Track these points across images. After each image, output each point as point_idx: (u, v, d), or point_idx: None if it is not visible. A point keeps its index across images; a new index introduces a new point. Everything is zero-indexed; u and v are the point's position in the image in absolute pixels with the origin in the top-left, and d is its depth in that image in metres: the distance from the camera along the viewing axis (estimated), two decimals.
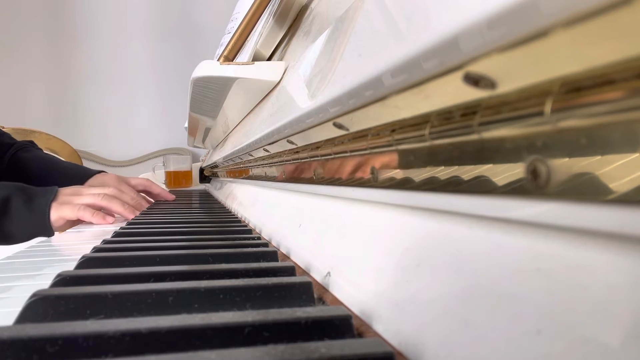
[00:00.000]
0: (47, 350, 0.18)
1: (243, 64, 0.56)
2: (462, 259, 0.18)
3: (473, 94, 0.15)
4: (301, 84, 0.38)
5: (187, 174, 1.84)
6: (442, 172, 0.19)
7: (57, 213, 0.74)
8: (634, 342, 0.10)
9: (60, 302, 0.23)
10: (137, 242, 0.43)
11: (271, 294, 0.25)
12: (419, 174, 0.21)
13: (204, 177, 1.76)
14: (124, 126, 2.45)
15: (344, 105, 0.25)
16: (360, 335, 0.21)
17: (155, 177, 1.86)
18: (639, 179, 0.11)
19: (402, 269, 0.21)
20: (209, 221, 0.64)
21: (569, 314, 0.12)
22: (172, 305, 0.24)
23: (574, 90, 0.11)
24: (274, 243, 0.46)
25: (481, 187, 0.16)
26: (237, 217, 0.70)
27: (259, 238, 0.46)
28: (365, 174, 0.27)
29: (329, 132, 0.30)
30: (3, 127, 1.45)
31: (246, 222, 0.64)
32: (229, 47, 0.58)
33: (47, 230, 0.74)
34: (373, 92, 0.22)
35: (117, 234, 0.51)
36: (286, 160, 0.46)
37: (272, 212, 0.55)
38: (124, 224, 0.66)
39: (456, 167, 0.18)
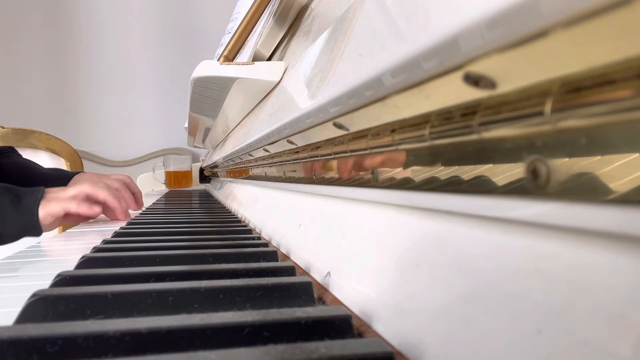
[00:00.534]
0: (47, 350, 0.18)
1: (243, 64, 0.56)
2: (462, 259, 0.18)
3: (473, 94, 0.15)
4: (301, 84, 0.38)
5: (187, 174, 1.84)
6: (442, 172, 0.19)
7: (45, 210, 0.74)
8: (634, 342, 0.10)
9: (60, 302, 0.23)
10: (137, 242, 0.43)
11: (271, 294, 0.25)
12: (419, 174, 0.21)
13: (204, 177, 1.76)
14: (124, 126, 2.45)
15: (344, 105, 0.25)
16: (360, 335, 0.21)
17: (155, 177, 1.86)
18: (639, 179, 0.11)
19: (402, 269, 0.21)
20: (209, 221, 0.64)
21: (569, 314, 0.12)
22: (172, 305, 0.24)
23: (574, 90, 0.11)
24: (274, 243, 0.46)
25: (481, 187, 0.16)
26: (237, 217, 0.70)
27: (259, 238, 0.46)
28: (365, 174, 0.27)
29: (329, 132, 0.30)
30: (3, 127, 1.45)
31: (246, 222, 0.64)
32: (229, 47, 0.58)
33: (35, 229, 0.74)
34: (373, 92, 0.22)
35: (117, 234, 0.51)
36: (286, 160, 0.46)
37: (272, 212, 0.55)
38: (123, 225, 0.66)
39: (456, 167, 0.18)
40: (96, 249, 0.39)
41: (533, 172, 0.14)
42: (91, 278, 0.28)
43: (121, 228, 0.56)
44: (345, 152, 0.29)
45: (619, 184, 0.11)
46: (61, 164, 1.48)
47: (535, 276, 0.14)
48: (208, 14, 2.44)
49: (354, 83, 0.23)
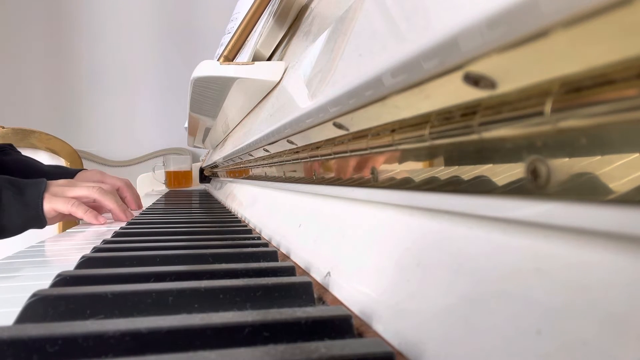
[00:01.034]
0: (47, 350, 0.18)
1: (243, 64, 0.56)
2: (462, 258, 0.18)
3: (473, 94, 0.15)
4: (301, 84, 0.38)
5: (187, 174, 1.84)
6: (442, 172, 0.19)
7: (50, 205, 0.73)
8: (634, 342, 0.10)
9: (60, 302, 0.23)
10: (137, 242, 0.43)
11: (271, 294, 0.25)
12: (419, 174, 0.21)
13: (204, 177, 1.76)
14: (124, 126, 2.45)
15: (344, 105, 0.25)
16: (360, 335, 0.21)
17: (155, 177, 1.86)
18: (639, 179, 0.11)
19: (402, 269, 0.21)
20: (209, 221, 0.64)
21: (568, 314, 0.12)
22: (172, 305, 0.24)
23: (574, 90, 0.11)
24: (274, 243, 0.46)
25: (481, 187, 0.16)
26: (237, 217, 0.70)
27: (259, 238, 0.46)
28: (365, 174, 0.27)
29: (329, 132, 0.30)
30: (3, 127, 1.45)
31: (246, 222, 0.64)
32: (229, 47, 0.58)
33: (40, 221, 0.73)
34: (373, 92, 0.22)
35: (117, 234, 0.51)
36: (286, 160, 0.46)
37: (272, 212, 0.55)
38: (123, 225, 0.66)
39: (456, 167, 0.18)
40: (96, 249, 0.39)
41: (533, 172, 0.14)
42: (91, 278, 0.28)
43: (121, 228, 0.56)
44: (345, 152, 0.29)
45: (619, 184, 0.11)
46: (61, 164, 1.47)
47: (535, 276, 0.14)
48: (208, 14, 2.44)
49: (354, 83, 0.23)
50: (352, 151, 0.28)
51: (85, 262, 0.34)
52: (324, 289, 0.28)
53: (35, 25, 2.36)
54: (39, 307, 0.23)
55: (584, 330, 0.12)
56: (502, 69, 0.14)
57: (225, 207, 0.90)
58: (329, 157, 0.33)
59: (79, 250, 0.51)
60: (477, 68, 0.14)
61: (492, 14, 0.12)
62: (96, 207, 0.82)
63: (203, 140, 1.43)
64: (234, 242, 0.44)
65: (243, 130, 0.72)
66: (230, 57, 0.57)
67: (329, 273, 0.29)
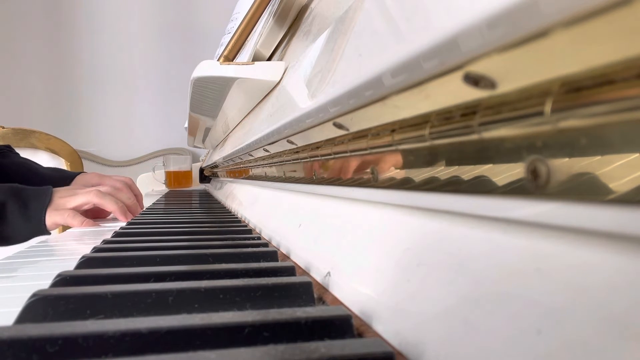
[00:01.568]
0: (47, 350, 0.18)
1: (243, 64, 0.56)
2: (462, 258, 0.18)
3: (473, 94, 0.15)
4: (301, 84, 0.38)
5: (187, 174, 1.84)
6: (442, 172, 0.19)
7: (51, 219, 0.74)
8: (634, 342, 0.10)
9: (60, 302, 0.23)
10: (137, 242, 0.43)
11: (271, 294, 0.25)
12: (419, 174, 0.21)
13: (204, 177, 1.76)
14: (124, 126, 2.45)
15: (344, 105, 0.25)
16: (360, 335, 0.21)
17: (155, 177, 1.86)
18: (639, 179, 0.11)
19: (402, 269, 0.21)
20: (209, 221, 0.64)
21: (568, 314, 0.12)
22: (172, 305, 0.24)
23: (574, 90, 0.11)
24: (274, 243, 0.46)
25: (481, 187, 0.16)
26: (237, 217, 0.70)
27: (259, 238, 0.46)
28: (365, 174, 0.27)
29: (329, 132, 0.30)
30: (3, 127, 1.45)
31: (246, 222, 0.64)
32: (229, 47, 0.58)
33: (43, 232, 0.75)
34: (373, 92, 0.22)
35: (117, 234, 0.51)
36: (286, 160, 0.46)
37: (272, 212, 0.55)
38: (124, 225, 0.66)
39: (456, 167, 0.18)
40: (96, 249, 0.39)
41: (533, 172, 0.14)
42: (91, 278, 0.28)
43: (121, 228, 0.56)
44: (345, 152, 0.29)
45: (619, 184, 0.11)
46: (61, 164, 1.48)
47: (535, 276, 0.14)
48: (208, 14, 2.44)
49: (354, 83, 0.23)
50: (352, 151, 0.28)
51: (85, 262, 0.34)
52: (324, 289, 0.28)
53: (35, 25, 2.36)
54: (39, 307, 0.23)
55: (584, 330, 0.12)
56: (502, 69, 0.14)
57: (225, 207, 0.90)
58: (329, 157, 0.33)
59: (79, 250, 0.51)
60: (477, 68, 0.14)
61: (492, 14, 0.12)
62: (98, 210, 0.82)
63: (203, 140, 1.43)
64: (234, 242, 0.44)
65: (243, 130, 0.72)
66: (230, 57, 0.57)
67: (329, 273, 0.29)
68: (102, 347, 0.18)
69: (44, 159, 1.44)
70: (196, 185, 1.86)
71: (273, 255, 0.36)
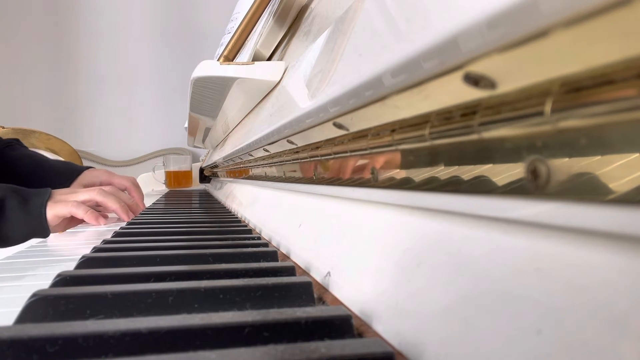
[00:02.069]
0: (47, 350, 0.18)
1: (243, 64, 0.56)
2: (462, 259, 0.18)
3: (473, 94, 0.15)
4: (301, 84, 0.38)
5: (187, 174, 1.84)
6: (442, 172, 0.19)
7: (52, 211, 0.73)
8: (634, 342, 0.10)
9: (60, 302, 0.23)
10: (137, 242, 0.43)
11: (271, 294, 0.25)
12: (419, 174, 0.21)
13: (204, 177, 1.76)
14: (124, 126, 2.45)
15: (344, 105, 0.25)
16: (360, 335, 0.21)
17: (155, 177, 1.86)
18: (639, 179, 0.11)
19: (402, 269, 0.21)
20: (209, 221, 0.64)
21: (568, 314, 0.12)
22: (172, 305, 0.24)
23: (574, 90, 0.11)
24: (274, 243, 0.46)
25: (481, 187, 0.16)
26: (237, 217, 0.70)
27: (259, 238, 0.46)
28: (365, 174, 0.27)
29: (329, 132, 0.30)
30: (3, 127, 1.45)
31: (246, 222, 0.64)
32: (229, 47, 0.58)
33: (43, 230, 0.73)
34: (373, 92, 0.22)
35: (117, 234, 0.51)
36: (286, 160, 0.46)
37: (272, 212, 0.55)
38: (124, 225, 0.65)
39: (456, 167, 0.18)
40: (96, 249, 0.39)
41: (533, 172, 0.14)
42: (91, 278, 0.28)
43: (121, 228, 0.56)
44: (345, 152, 0.29)
45: (619, 184, 0.11)
46: None
47: (535, 276, 0.14)
48: (208, 14, 2.44)
49: (354, 83, 0.23)
50: (352, 151, 0.28)
51: (85, 262, 0.34)
52: (324, 289, 0.28)
53: (36, 24, 2.36)
54: (39, 307, 0.23)
55: (584, 330, 0.12)
56: (502, 69, 0.14)
57: (225, 207, 0.90)
58: (329, 157, 0.33)
59: (79, 250, 0.51)
60: (477, 68, 0.14)
61: (492, 14, 0.12)
62: (101, 210, 0.82)
63: (203, 140, 1.43)
64: (234, 242, 0.44)
65: (243, 130, 0.72)
66: (230, 57, 0.57)
67: (329, 273, 0.29)
68: (102, 347, 0.18)
69: None
70: (196, 185, 1.86)
71: (273, 255, 0.36)
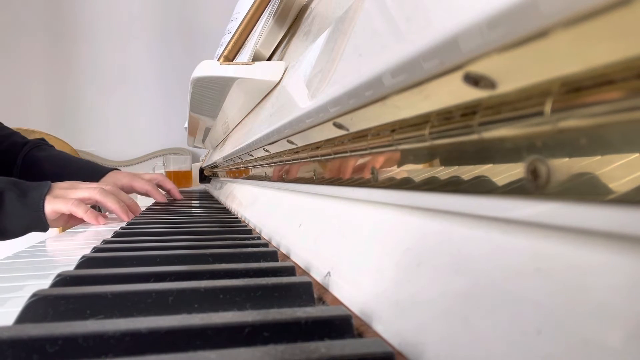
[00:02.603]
0: (47, 350, 0.18)
1: (243, 64, 0.56)
2: (462, 259, 0.18)
3: (473, 94, 0.15)
4: (301, 84, 0.38)
5: (187, 174, 1.84)
6: (442, 172, 0.19)
7: (51, 206, 0.72)
8: (634, 343, 0.10)
9: (60, 302, 0.23)
10: (137, 242, 0.43)
11: (271, 294, 0.25)
12: (419, 174, 0.21)
13: (204, 177, 1.76)
14: (124, 126, 2.45)
15: (344, 105, 0.25)
16: (360, 335, 0.21)
17: None
18: (639, 179, 0.11)
19: (402, 269, 0.21)
20: (209, 221, 0.64)
21: (569, 314, 0.12)
22: (172, 305, 0.24)
23: (574, 90, 0.11)
24: (274, 243, 0.46)
25: (481, 187, 0.16)
26: (237, 217, 0.70)
27: (259, 238, 0.46)
28: (365, 174, 0.27)
29: (329, 132, 0.30)
30: None
31: (246, 222, 0.64)
32: (229, 47, 0.58)
33: (42, 224, 0.73)
34: (373, 92, 0.22)
35: (117, 234, 0.51)
36: (286, 160, 0.46)
37: (272, 212, 0.55)
38: (124, 225, 0.65)
39: (456, 167, 0.18)
40: (96, 249, 0.39)
41: (533, 172, 0.14)
42: (91, 278, 0.28)
43: (121, 228, 0.56)
44: (345, 152, 0.29)
45: (619, 184, 0.11)
46: None
47: (535, 276, 0.14)
48: (208, 14, 2.44)
49: (354, 83, 0.23)
50: (352, 151, 0.28)
51: (85, 262, 0.34)
52: (324, 289, 0.28)
53: (36, 24, 2.36)
54: (39, 307, 0.23)
55: (584, 330, 0.12)
56: (502, 69, 0.14)
57: (225, 207, 0.90)
58: (329, 157, 0.33)
59: (78, 250, 0.51)
60: (477, 68, 0.14)
61: (492, 14, 0.12)
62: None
63: (203, 140, 1.43)
64: (234, 242, 0.44)
65: (243, 130, 0.72)
66: (230, 57, 0.58)
67: (329, 273, 0.29)
68: (102, 347, 0.18)
69: None
70: (196, 185, 1.86)
71: (273, 255, 0.36)
